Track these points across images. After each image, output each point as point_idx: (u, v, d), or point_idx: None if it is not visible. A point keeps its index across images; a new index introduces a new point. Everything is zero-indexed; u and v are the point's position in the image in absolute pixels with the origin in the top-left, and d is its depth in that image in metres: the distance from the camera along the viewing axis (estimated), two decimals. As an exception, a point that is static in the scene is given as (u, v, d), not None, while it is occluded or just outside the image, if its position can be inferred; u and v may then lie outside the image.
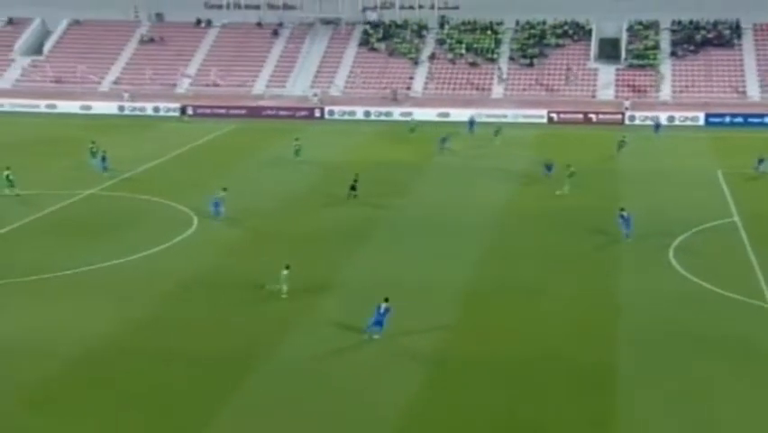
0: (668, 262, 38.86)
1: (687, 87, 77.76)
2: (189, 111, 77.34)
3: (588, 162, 57.27)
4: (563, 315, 33.00)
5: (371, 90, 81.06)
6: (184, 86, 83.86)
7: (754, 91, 76.16)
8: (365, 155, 61.16)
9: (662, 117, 70.80)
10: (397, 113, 75.14)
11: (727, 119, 70.23)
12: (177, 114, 77.10)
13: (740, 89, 76.65)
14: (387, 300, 30.54)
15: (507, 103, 77.28)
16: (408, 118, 72.22)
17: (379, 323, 30.09)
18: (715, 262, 38.97)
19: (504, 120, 70.82)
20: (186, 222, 44.70)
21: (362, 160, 59.41)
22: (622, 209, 42.51)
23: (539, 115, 73.21)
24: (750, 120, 69.71)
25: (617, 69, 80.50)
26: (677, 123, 70.02)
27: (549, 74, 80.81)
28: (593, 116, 72.38)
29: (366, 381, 27.91)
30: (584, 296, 34.94)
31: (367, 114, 75.62)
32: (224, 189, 46.25)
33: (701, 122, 70.48)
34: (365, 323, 30.59)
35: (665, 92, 77.51)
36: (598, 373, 28.40)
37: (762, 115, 69.84)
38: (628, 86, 78.66)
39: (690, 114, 71.24)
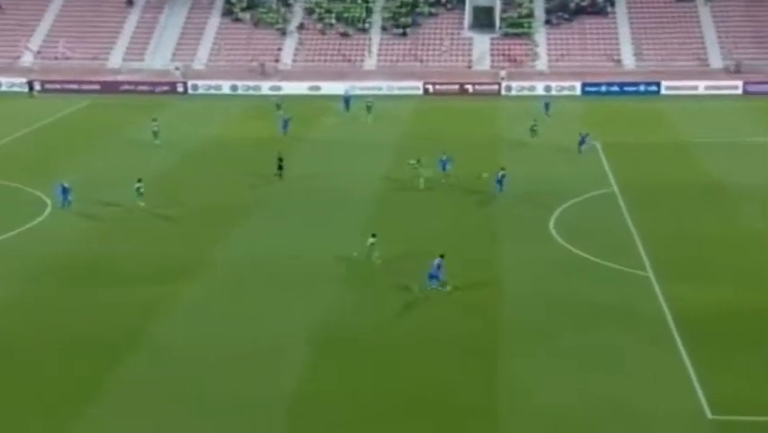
0: (548, 234, 39.70)
1: (563, 55, 79.65)
2: (37, 86, 73.43)
3: (467, 134, 57.88)
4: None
5: (237, 63, 79.23)
6: (29, 58, 79.59)
7: (628, 59, 78.75)
8: (234, 132, 59.98)
9: (539, 87, 72.24)
10: (266, 87, 73.75)
11: (603, 88, 72.37)
12: (24, 89, 73.14)
13: (615, 57, 79.10)
14: (442, 256, 33.13)
15: (380, 75, 77.08)
16: (277, 93, 70.98)
17: (434, 276, 32.82)
18: (594, 232, 40.06)
19: (379, 92, 70.60)
20: (37, 206, 43.33)
21: (232, 137, 58.41)
22: (503, 169, 45.27)
23: (414, 86, 73.40)
24: (625, 89, 72.07)
25: (492, 39, 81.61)
26: (554, 92, 71.63)
27: (423, 44, 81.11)
28: (469, 87, 73.14)
29: (245, 365, 28.25)
30: (465, 269, 35.51)
31: (234, 88, 73.90)
32: (72, 176, 44.77)
33: (578, 91, 72.37)
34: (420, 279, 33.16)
35: (541, 61, 79.16)
36: (479, 343, 29.78)
37: (636, 84, 72.33)
38: (504, 55, 79.89)
39: (566, 83, 73.02)
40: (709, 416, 25.59)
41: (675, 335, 30.23)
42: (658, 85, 71.48)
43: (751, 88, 70.26)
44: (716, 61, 77.07)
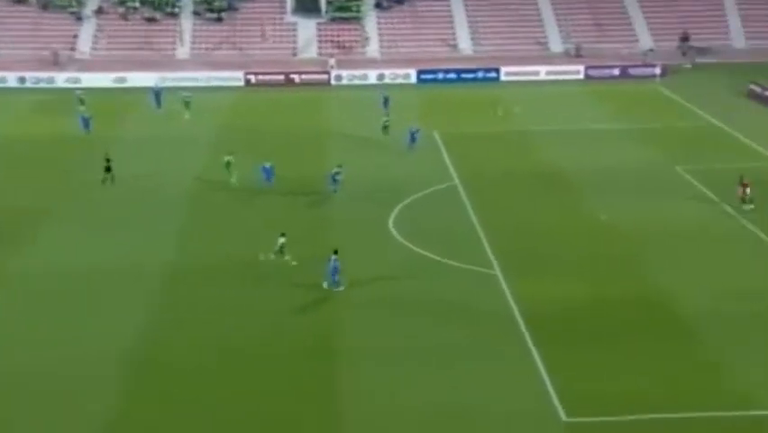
0: (388, 233, 40.61)
1: (395, 41, 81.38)
2: None
3: (295, 128, 58.28)
4: (281, 289, 34.83)
5: (24, 52, 76.15)
6: None
7: (465, 44, 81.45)
8: (25, 130, 57.84)
9: (372, 75, 73.51)
10: (61, 79, 71.36)
11: (440, 75, 74.49)
12: None
13: (451, 43, 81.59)
14: (336, 252, 34.81)
15: (195, 65, 76.22)
16: (75, 85, 68.76)
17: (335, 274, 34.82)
18: (437, 228, 41.38)
19: (195, 84, 69.70)
20: None
21: (23, 136, 56.34)
22: (339, 166, 45.68)
23: (234, 77, 73.00)
24: (463, 76, 74.46)
25: (319, 24, 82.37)
26: (387, 81, 73.07)
27: (241, 30, 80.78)
28: (296, 77, 73.50)
29: (46, 398, 27.75)
30: (299, 269, 36.43)
31: (21, 80, 71.05)
32: None
33: (413, 79, 74.15)
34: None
35: (373, 48, 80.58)
36: (321, 349, 30.75)
37: (475, 70, 74.89)
38: (332, 42, 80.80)
39: (400, 71, 74.65)
40: (564, 418, 27.04)
41: (525, 333, 31.73)
42: (497, 71, 74.31)
43: (593, 72, 74.26)
44: (556, 45, 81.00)
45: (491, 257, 38.15)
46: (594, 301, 34.19)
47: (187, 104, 62.68)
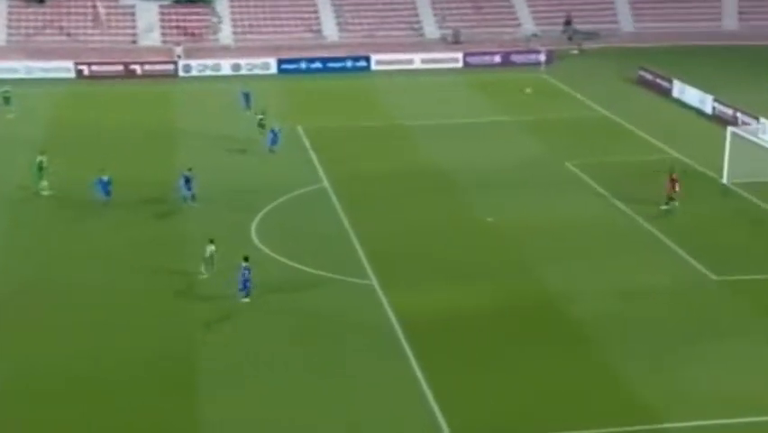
0: (251, 243, 40.71)
1: (251, 27, 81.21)
2: None
3: (137, 126, 57.71)
4: (129, 315, 34.75)
5: None
6: None
7: (330, 30, 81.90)
8: None
9: (226, 66, 73.15)
10: None
11: (303, 65, 74.74)
12: None
13: (314, 28, 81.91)
14: (246, 259, 35.50)
15: (12, 52, 74.27)
16: None
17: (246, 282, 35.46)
18: (305, 236, 41.69)
19: (14, 76, 67.89)
20: None
21: None
22: (190, 169, 45.12)
23: (63, 67, 71.48)
24: (329, 65, 74.88)
25: (162, 7, 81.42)
26: (244, 71, 72.85)
27: (68, 13, 79.12)
28: (137, 68, 72.51)
29: None
30: (149, 290, 36.41)
31: None
32: None
33: (273, 69, 74.15)
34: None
35: (225, 34, 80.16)
36: (178, 374, 30.88)
37: (342, 59, 75.40)
38: (178, 27, 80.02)
39: (258, 60, 74.53)
40: (450, 439, 27.63)
41: (406, 347, 32.21)
42: (367, 59, 75.04)
43: (472, 60, 75.84)
44: (431, 31, 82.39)
45: (367, 266, 38.55)
46: (480, 309, 34.99)
47: (6, 99, 61.02)
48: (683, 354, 31.85)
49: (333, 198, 46.27)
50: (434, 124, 59.38)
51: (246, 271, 35.35)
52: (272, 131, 53.00)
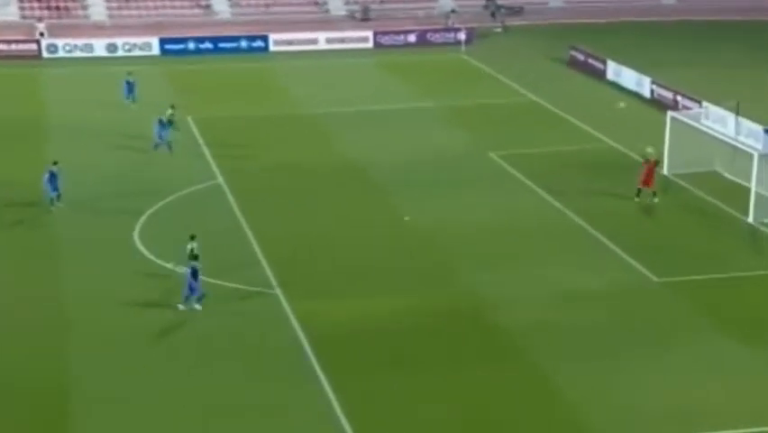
0: (134, 249, 40.51)
1: (128, 1, 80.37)
2: None
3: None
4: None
5: None
6: None
7: (221, 6, 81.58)
8: None
9: (99, 46, 72.37)
10: None
11: (191, 45, 74.29)
12: None
13: (203, 3, 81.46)
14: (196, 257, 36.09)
15: None
16: None
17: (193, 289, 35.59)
18: (200, 240, 41.07)
19: None
20: None
21: None
22: (55, 163, 44.50)
23: None
24: (221, 45, 74.55)
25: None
26: (121, 53, 72.15)
27: None
28: (-8, 47, 71.53)
29: None
30: (22, 305, 36.04)
31: None
32: None
33: (156, 50, 73.56)
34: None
35: (98, 9, 79.20)
36: (49, 397, 30.62)
37: (236, 39, 75.13)
38: (40, 0, 78.82)
39: (138, 39, 73.87)
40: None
41: (317, 369, 32.13)
42: (265, 39, 74.91)
43: (384, 40, 76.26)
44: (337, 7, 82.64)
45: (269, 273, 38.48)
46: (400, 321, 35.13)
47: None
48: (625, 364, 32.37)
49: (230, 197, 46.11)
50: (342, 111, 59.57)
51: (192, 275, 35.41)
52: (159, 120, 52.03)
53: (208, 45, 74.61)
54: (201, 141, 53.82)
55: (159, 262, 39.23)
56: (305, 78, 67.11)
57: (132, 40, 73.96)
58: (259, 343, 33.81)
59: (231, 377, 31.78)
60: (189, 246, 37.34)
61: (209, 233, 42.06)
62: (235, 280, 37.79)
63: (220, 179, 48.33)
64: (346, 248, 41.16)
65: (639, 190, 45.53)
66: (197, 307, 35.65)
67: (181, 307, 35.56)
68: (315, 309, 35.79)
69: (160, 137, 51.59)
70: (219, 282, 37.64)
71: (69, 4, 78.93)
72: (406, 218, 43.68)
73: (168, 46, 74.08)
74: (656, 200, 45.54)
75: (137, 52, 72.93)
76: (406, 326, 34.95)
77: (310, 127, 56.72)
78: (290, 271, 38.69)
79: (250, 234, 42.13)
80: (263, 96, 63.02)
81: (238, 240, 41.64)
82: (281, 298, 36.73)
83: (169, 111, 53.04)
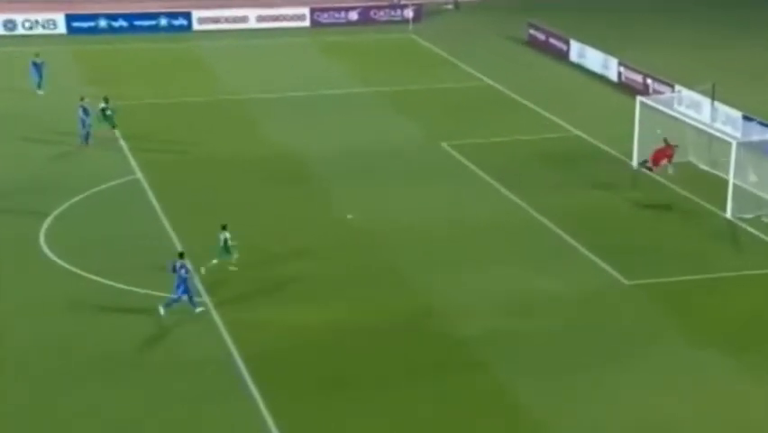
0: (39, 253, 40.43)
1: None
2: None
3: None
4: None
5: None
6: None
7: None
8: None
9: None
10: None
11: (102, 22, 73.89)
12: None
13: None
14: (182, 256, 36.34)
15: None
16: None
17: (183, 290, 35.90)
18: (114, 243, 41.37)
19: None
20: None
21: None
22: None
23: None
24: (137, 23, 74.29)
25: None
26: (21, 31, 71.74)
27: None
28: None
29: None
30: None
31: None
32: None
33: (62, 28, 73.16)
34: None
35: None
36: None
37: (155, 16, 74.86)
38: None
39: (40, 16, 73.37)
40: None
41: (251, 386, 32.15)
42: (188, 17, 74.76)
43: (322, 18, 76.49)
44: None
45: (196, 280, 38.39)
46: (343, 332, 35.24)
47: None
48: (593, 376, 32.71)
49: (149, 193, 46.10)
50: (275, 98, 59.74)
51: (182, 271, 35.56)
52: (81, 107, 51.64)
53: (122, 23, 74.37)
54: (118, 132, 53.62)
55: (69, 267, 39.03)
56: (233, 60, 67.15)
57: (34, 16, 73.48)
58: (186, 361, 33.51)
59: (153, 393, 31.72)
60: (222, 237, 38.11)
61: (125, 234, 42.13)
62: (156, 288, 37.49)
63: (138, 174, 48.27)
64: (283, 250, 41.19)
65: (645, 161, 46.46)
66: (199, 309, 36.30)
67: (162, 312, 35.76)
68: (249, 319, 35.83)
69: (84, 125, 51.60)
70: (137, 290, 37.56)
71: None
72: (349, 216, 43.86)
73: (76, 23, 73.76)
74: (670, 171, 46.95)
75: (39, 30, 72.52)
76: (353, 338, 35.04)
77: (239, 115, 56.78)
78: (221, 278, 38.70)
79: (172, 234, 42.08)
80: (186, 81, 62.97)
81: (159, 242, 41.53)
82: (210, 306, 36.79)
83: (102, 104, 52.82)
